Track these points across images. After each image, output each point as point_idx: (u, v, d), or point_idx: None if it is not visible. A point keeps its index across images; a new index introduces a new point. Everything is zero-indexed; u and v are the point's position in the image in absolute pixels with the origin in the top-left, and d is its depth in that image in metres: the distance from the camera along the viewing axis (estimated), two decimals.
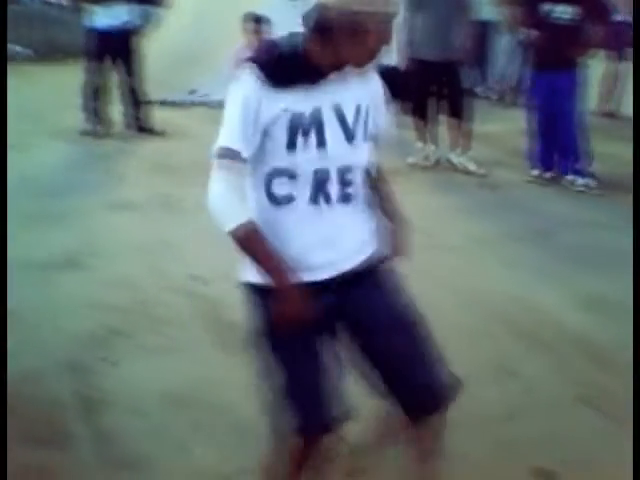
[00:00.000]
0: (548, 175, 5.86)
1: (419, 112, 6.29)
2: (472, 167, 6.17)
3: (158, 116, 7.50)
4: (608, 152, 6.16)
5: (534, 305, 3.72)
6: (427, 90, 6.17)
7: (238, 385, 2.65)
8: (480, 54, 9.19)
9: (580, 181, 5.65)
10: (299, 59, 1.82)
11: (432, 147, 6.37)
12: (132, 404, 2.87)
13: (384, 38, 1.80)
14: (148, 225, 4.87)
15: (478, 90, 9.38)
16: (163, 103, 8.30)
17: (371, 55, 1.82)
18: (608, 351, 3.26)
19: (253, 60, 1.83)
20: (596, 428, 2.73)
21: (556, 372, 3.11)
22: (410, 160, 6.33)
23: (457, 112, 6.16)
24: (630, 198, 4.92)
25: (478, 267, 4.22)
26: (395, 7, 1.83)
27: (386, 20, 1.79)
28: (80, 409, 2.84)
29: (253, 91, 1.80)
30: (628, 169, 5.51)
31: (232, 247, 1.83)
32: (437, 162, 6.37)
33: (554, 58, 5.46)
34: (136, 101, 7.37)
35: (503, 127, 7.54)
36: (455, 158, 6.27)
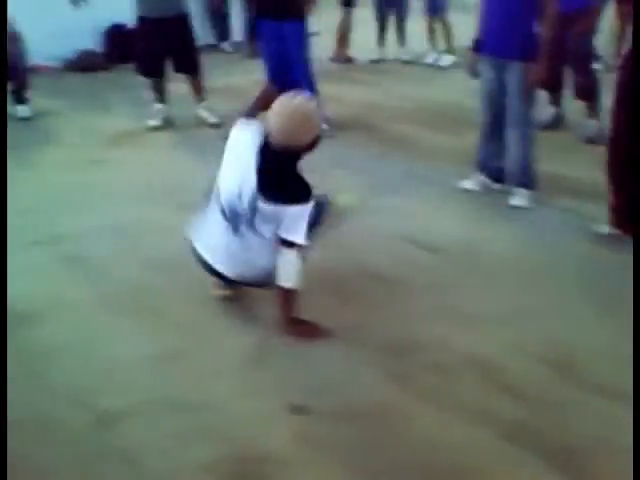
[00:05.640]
0: None
1: (153, 71, 6.10)
2: (205, 115, 6.17)
3: None
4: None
5: None
6: (159, 47, 5.89)
7: None
8: (220, 9, 9.12)
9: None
10: None
11: (160, 106, 6.20)
12: None
13: None
14: None
15: (224, 45, 9.36)
16: None
17: None
18: None
19: None
20: None
21: None
22: (151, 123, 6.13)
23: (188, 68, 6.09)
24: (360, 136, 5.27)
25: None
26: None
27: None
28: None
29: None
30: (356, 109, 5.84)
31: None
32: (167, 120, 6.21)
33: (273, 6, 5.51)
34: None
35: (245, 79, 7.47)
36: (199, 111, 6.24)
